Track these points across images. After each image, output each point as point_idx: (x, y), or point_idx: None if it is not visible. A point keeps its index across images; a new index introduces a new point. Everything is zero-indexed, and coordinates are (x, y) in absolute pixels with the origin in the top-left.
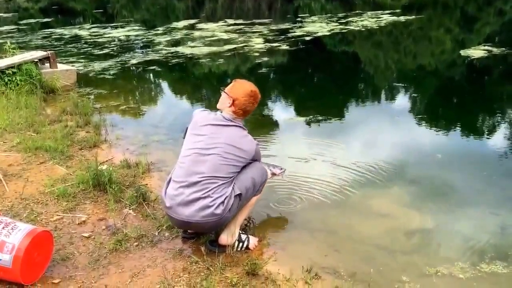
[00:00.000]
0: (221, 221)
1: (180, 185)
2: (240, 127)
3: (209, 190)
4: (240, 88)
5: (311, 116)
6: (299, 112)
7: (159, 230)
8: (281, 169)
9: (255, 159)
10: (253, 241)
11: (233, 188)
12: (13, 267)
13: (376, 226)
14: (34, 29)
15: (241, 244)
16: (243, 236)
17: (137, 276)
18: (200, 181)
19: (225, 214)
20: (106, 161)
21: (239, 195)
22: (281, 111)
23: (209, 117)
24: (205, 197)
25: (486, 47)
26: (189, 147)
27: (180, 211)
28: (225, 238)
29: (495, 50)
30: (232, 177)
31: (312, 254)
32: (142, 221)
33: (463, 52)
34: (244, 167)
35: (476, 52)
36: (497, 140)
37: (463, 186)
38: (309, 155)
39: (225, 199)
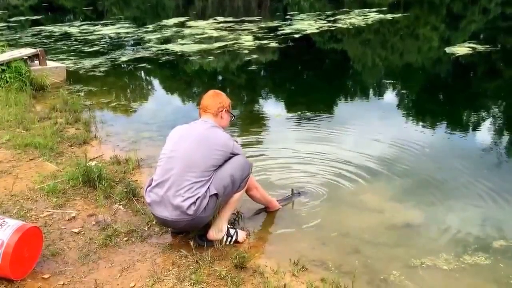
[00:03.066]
0: (195, 221)
1: (156, 183)
2: (212, 125)
3: (180, 189)
4: (204, 97)
5: (300, 112)
6: (288, 108)
7: (148, 225)
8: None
9: (236, 153)
10: (241, 235)
11: (208, 188)
12: (3, 263)
13: (362, 219)
14: (24, 26)
15: (229, 238)
16: (232, 231)
17: (127, 270)
18: (171, 178)
19: (199, 214)
20: (96, 157)
21: (215, 194)
22: (270, 107)
23: (185, 125)
24: (176, 196)
25: (471, 45)
26: (167, 147)
27: (156, 209)
28: (212, 233)
29: (479, 48)
30: (208, 173)
31: (299, 247)
32: (132, 216)
33: (448, 49)
34: (225, 162)
35: (461, 49)
36: (483, 135)
37: (448, 180)
38: (296, 150)
39: (197, 199)
